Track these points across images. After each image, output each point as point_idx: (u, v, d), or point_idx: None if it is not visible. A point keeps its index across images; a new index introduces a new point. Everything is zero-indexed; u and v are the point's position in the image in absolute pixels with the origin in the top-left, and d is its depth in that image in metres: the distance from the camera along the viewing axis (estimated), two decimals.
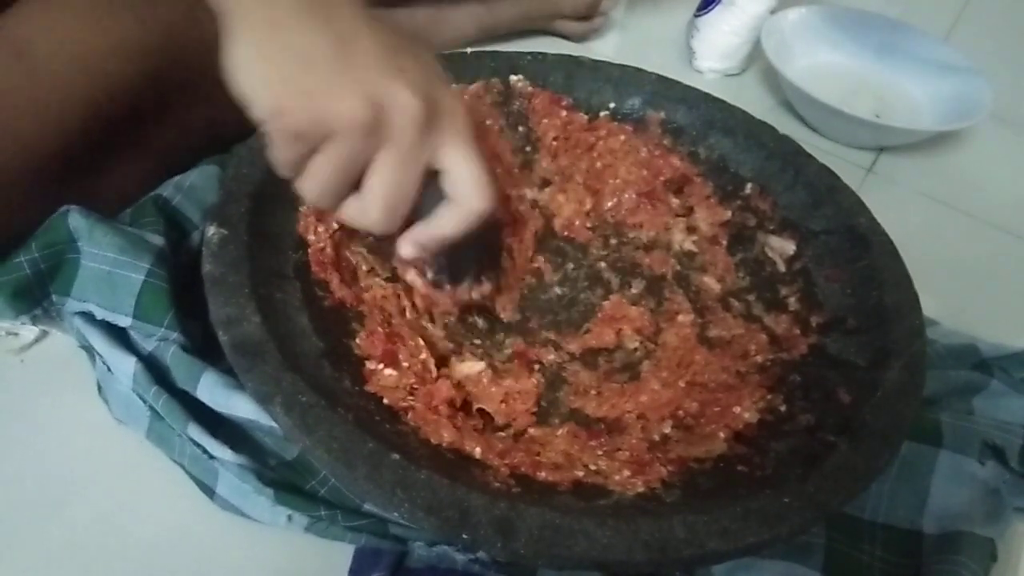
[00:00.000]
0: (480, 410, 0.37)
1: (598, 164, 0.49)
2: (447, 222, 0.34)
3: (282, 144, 0.31)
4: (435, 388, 0.36)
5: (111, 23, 0.40)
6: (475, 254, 0.39)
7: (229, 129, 0.47)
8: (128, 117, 0.42)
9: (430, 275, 0.39)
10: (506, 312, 0.43)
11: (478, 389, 0.38)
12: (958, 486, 0.38)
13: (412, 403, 0.34)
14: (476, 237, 0.35)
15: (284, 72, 0.29)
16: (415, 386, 0.36)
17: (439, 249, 0.36)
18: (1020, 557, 0.38)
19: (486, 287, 0.40)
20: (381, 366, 0.36)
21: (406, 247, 0.35)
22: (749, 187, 0.47)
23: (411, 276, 0.39)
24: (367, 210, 0.32)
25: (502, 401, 0.38)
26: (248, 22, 0.30)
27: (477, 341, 0.41)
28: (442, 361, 0.39)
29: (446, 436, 0.33)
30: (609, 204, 0.49)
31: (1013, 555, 0.38)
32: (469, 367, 0.39)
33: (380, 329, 0.37)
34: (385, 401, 0.34)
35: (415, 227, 0.35)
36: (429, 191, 0.33)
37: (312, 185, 0.32)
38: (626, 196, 0.49)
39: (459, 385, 0.38)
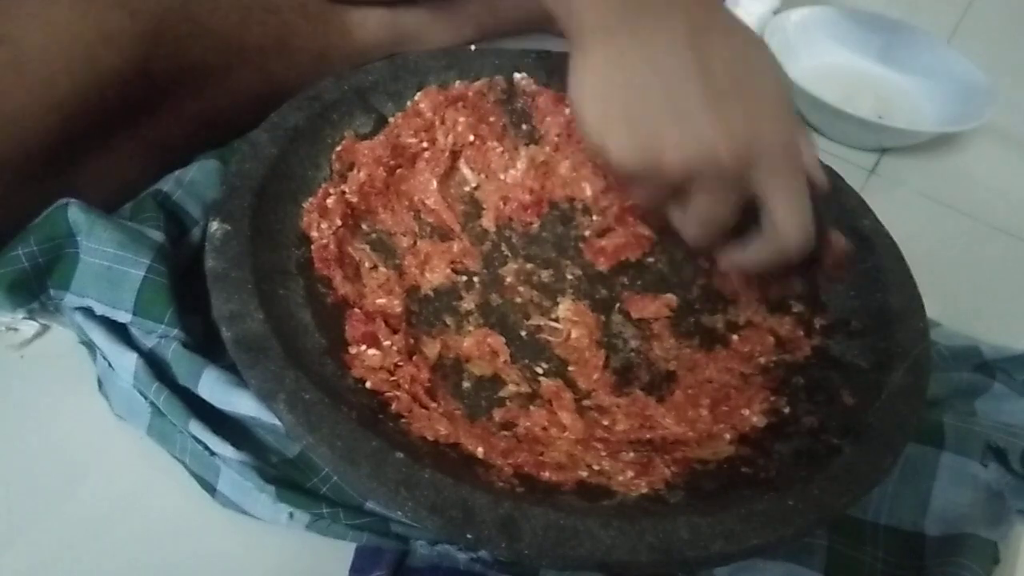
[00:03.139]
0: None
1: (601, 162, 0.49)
2: (757, 255, 0.36)
3: (607, 171, 0.39)
4: (419, 362, 0.36)
5: (101, 12, 0.39)
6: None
7: (222, 120, 0.47)
8: (118, 108, 0.41)
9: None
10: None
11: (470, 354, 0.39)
12: (960, 488, 0.38)
13: (397, 394, 0.34)
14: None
15: (611, 117, 0.33)
16: (399, 364, 0.36)
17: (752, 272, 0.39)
18: (1022, 560, 0.38)
19: (796, 287, 0.41)
20: (364, 347, 0.36)
21: (723, 263, 0.39)
22: None
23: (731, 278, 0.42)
24: (685, 229, 0.36)
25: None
26: (591, 63, 0.34)
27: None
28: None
29: (441, 430, 0.33)
30: (604, 203, 0.48)
31: (1016, 558, 0.38)
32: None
33: (357, 310, 0.37)
34: (368, 385, 0.34)
35: (733, 248, 0.37)
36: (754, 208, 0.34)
37: (638, 199, 0.38)
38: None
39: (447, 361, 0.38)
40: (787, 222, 0.33)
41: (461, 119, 0.46)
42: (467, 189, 0.47)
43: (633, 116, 0.32)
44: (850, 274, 0.41)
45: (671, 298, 0.44)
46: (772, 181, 0.33)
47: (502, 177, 0.47)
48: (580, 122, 0.34)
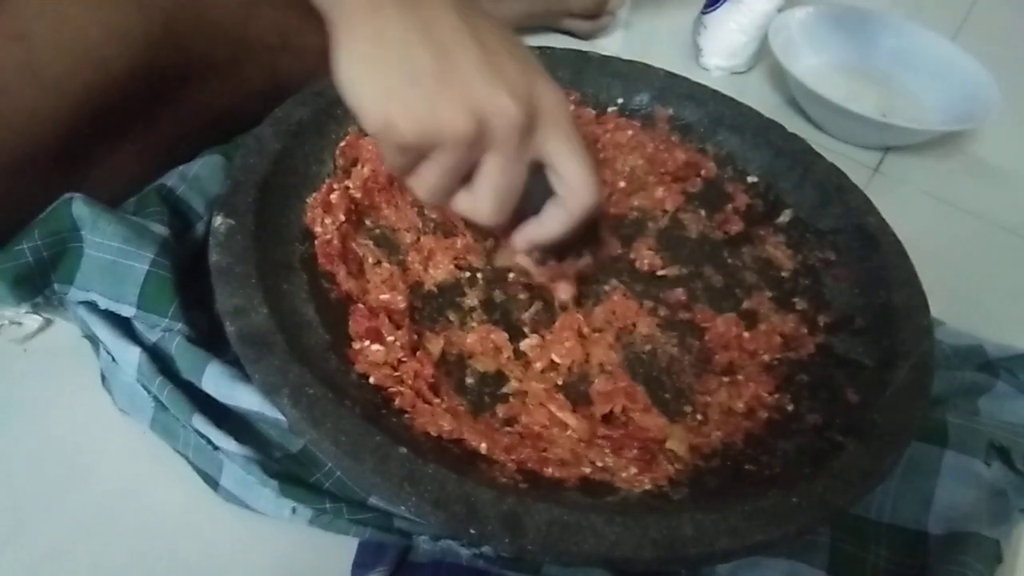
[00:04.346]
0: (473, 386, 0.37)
1: (601, 156, 0.49)
2: (556, 221, 0.36)
3: (390, 153, 0.33)
4: (422, 358, 0.36)
5: (110, 8, 0.39)
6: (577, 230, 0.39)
7: (229, 116, 0.47)
8: (127, 103, 0.41)
9: (537, 255, 0.40)
10: (564, 293, 0.42)
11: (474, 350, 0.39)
12: (964, 487, 0.38)
13: (400, 389, 0.34)
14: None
15: (389, 86, 0.31)
16: (402, 359, 0.36)
17: (550, 244, 0.38)
18: None
19: (587, 259, 0.41)
20: (367, 343, 0.36)
21: (520, 243, 0.38)
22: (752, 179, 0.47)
23: (520, 258, 0.41)
24: (478, 207, 0.35)
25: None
26: (358, 35, 0.31)
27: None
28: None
29: (445, 425, 0.33)
30: (606, 193, 0.48)
31: (1018, 556, 0.38)
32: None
33: (361, 305, 0.37)
34: (372, 380, 0.34)
35: (527, 224, 0.37)
36: (538, 178, 0.35)
37: (423, 187, 0.34)
38: (621, 185, 0.48)
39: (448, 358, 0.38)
40: (580, 177, 0.34)
41: None
42: None
43: (415, 83, 0.30)
44: (854, 272, 0.41)
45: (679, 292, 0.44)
46: (556, 139, 0.33)
47: None
48: (355, 102, 0.31)
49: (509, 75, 0.32)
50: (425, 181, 0.34)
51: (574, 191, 0.34)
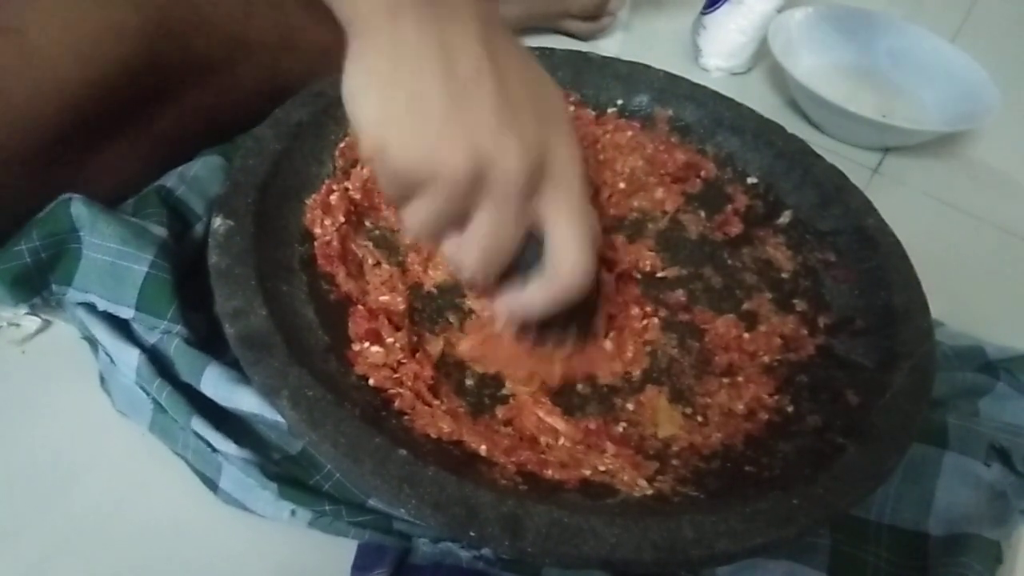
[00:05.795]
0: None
1: (600, 157, 0.49)
2: (539, 297, 0.33)
3: (383, 179, 0.30)
4: (422, 359, 0.36)
5: (108, 5, 0.39)
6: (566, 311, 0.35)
7: (226, 116, 0.47)
8: (123, 100, 0.41)
9: (515, 326, 0.37)
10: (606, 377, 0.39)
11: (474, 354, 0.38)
12: (964, 488, 0.38)
13: (400, 391, 0.34)
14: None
15: (395, 110, 0.29)
16: (402, 361, 0.36)
17: (530, 319, 0.35)
18: None
19: (567, 349, 0.38)
20: (367, 344, 0.36)
21: (499, 310, 0.35)
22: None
23: (499, 321, 0.38)
24: (463, 258, 0.32)
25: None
26: (371, 47, 0.29)
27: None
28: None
29: (444, 427, 0.33)
30: (606, 194, 0.48)
31: (1019, 557, 0.38)
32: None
33: (360, 307, 0.37)
34: (371, 382, 0.34)
35: (511, 290, 0.34)
36: (533, 243, 0.32)
37: (412, 222, 0.32)
38: (621, 186, 0.48)
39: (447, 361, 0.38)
40: (569, 253, 0.31)
41: None
42: None
43: (419, 110, 0.28)
44: (854, 274, 0.41)
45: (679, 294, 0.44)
46: (556, 204, 0.31)
47: None
48: (354, 115, 0.30)
49: (523, 123, 0.29)
50: (415, 216, 0.31)
51: (559, 267, 0.31)
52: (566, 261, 0.31)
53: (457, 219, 0.31)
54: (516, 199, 0.30)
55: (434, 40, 0.28)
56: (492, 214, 0.30)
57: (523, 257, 0.32)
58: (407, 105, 0.28)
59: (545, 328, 0.37)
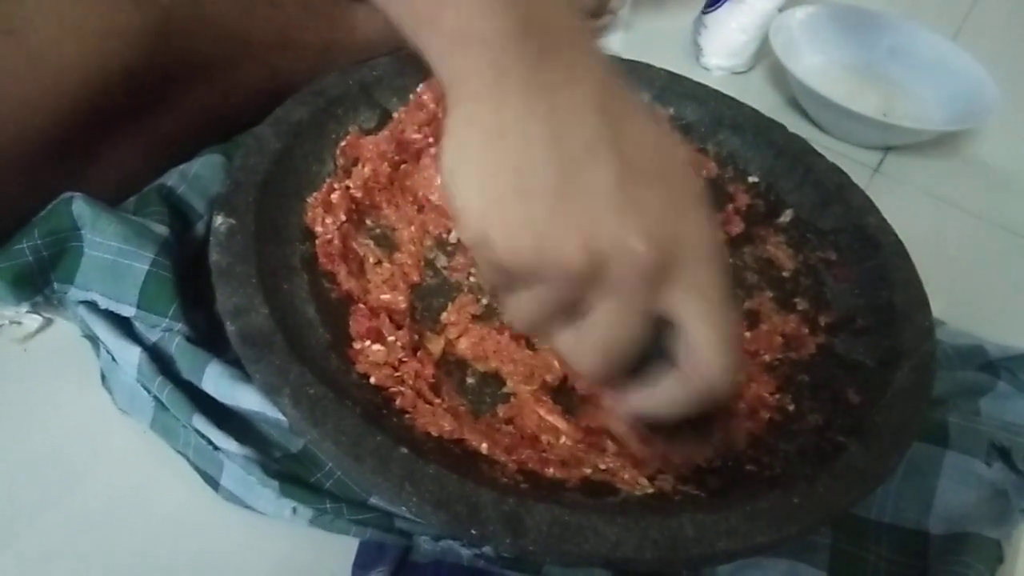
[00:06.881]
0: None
1: None
2: (670, 398, 0.29)
3: (485, 268, 0.28)
4: (423, 358, 0.36)
5: (109, 5, 0.39)
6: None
7: (227, 115, 0.47)
8: (125, 101, 0.41)
9: (640, 428, 0.34)
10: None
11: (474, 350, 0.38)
12: (964, 487, 0.38)
13: (401, 389, 0.34)
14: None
15: (499, 193, 0.25)
16: (403, 359, 0.36)
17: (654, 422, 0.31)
18: None
19: (704, 450, 0.34)
20: (368, 343, 0.36)
21: (620, 409, 0.31)
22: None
23: (614, 423, 0.35)
24: (580, 355, 0.29)
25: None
26: (472, 117, 0.26)
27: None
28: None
29: (445, 426, 0.33)
30: None
31: (1019, 556, 0.38)
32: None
33: (361, 305, 0.37)
34: (372, 380, 0.34)
35: (632, 386, 0.30)
36: (661, 330, 0.28)
37: (518, 314, 0.29)
38: None
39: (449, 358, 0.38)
40: (709, 350, 0.27)
41: None
42: None
43: (526, 192, 0.25)
44: (855, 272, 0.41)
45: None
46: (690, 295, 0.26)
47: None
48: (454, 200, 0.26)
49: (648, 207, 0.25)
50: (521, 309, 0.28)
51: (699, 367, 0.27)
52: (703, 362, 0.27)
53: (571, 311, 0.28)
54: (641, 292, 0.26)
55: (544, 108, 0.25)
56: (613, 309, 0.27)
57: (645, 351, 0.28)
58: (513, 186, 0.25)
59: (673, 431, 0.32)
